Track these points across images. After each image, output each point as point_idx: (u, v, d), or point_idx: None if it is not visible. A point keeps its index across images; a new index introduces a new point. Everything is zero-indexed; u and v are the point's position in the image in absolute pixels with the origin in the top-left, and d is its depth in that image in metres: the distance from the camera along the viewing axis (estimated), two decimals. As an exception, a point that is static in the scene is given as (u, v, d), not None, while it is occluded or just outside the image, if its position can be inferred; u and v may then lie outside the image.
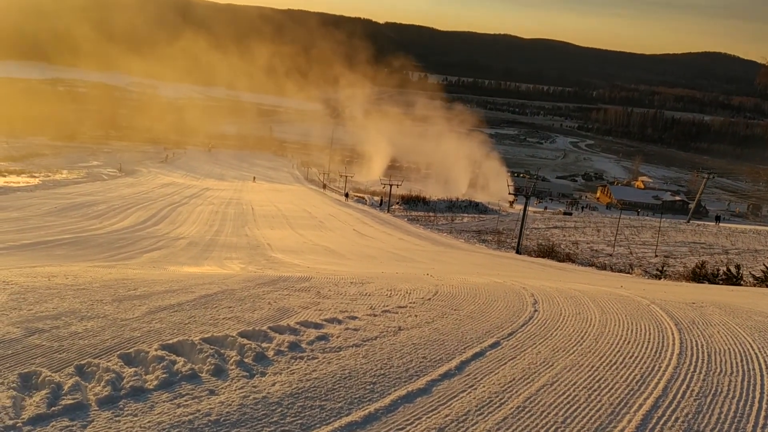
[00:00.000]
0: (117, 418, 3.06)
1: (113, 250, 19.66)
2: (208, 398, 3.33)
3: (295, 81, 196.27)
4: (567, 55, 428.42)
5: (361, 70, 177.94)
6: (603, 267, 29.67)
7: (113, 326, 4.56)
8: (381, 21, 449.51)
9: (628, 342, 4.90)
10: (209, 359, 3.83)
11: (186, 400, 3.28)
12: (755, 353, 4.69)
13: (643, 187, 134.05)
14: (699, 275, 21.09)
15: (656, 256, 32.81)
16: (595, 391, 3.77)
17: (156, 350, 3.90)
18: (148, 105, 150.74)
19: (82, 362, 3.69)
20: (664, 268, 25.83)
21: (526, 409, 3.47)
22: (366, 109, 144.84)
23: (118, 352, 3.90)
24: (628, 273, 27.91)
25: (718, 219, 65.95)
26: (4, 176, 49.97)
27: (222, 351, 4.03)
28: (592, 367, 4.22)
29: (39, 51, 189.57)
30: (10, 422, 2.93)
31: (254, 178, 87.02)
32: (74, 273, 7.63)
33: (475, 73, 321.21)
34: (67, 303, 5.24)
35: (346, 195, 63.89)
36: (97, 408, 3.16)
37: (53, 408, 3.09)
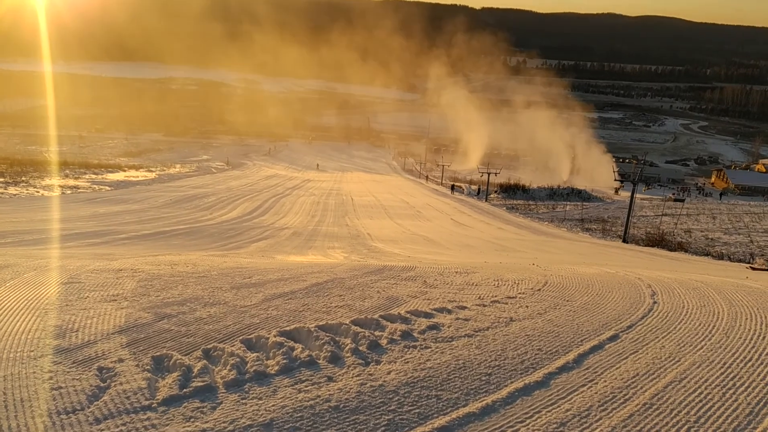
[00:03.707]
0: (243, 401, 3.18)
1: (224, 239, 20.59)
2: (327, 385, 3.40)
3: (392, 71, 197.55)
4: (678, 31, 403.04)
5: (459, 57, 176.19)
6: (720, 256, 27.77)
7: (234, 312, 4.76)
8: (477, 7, 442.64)
9: (764, 337, 4.53)
10: (325, 346, 3.91)
11: (306, 386, 3.37)
12: None
13: (764, 170, 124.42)
14: (834, 266, 19.25)
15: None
16: (729, 389, 3.52)
17: (275, 336, 4.03)
18: (251, 100, 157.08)
19: (209, 346, 3.87)
20: (792, 258, 23.84)
21: (654, 407, 3.29)
22: (463, 97, 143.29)
23: (240, 338, 4.07)
24: (749, 263, 25.98)
25: None
26: (125, 171, 53.79)
27: (337, 338, 4.10)
28: (725, 363, 3.94)
29: (152, 52, 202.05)
30: (146, 402, 3.12)
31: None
32: (193, 261, 8.06)
33: (576, 56, 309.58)
34: (190, 290, 5.53)
35: (452, 188, 61.72)
36: (224, 390, 3.31)
37: (185, 390, 3.26)
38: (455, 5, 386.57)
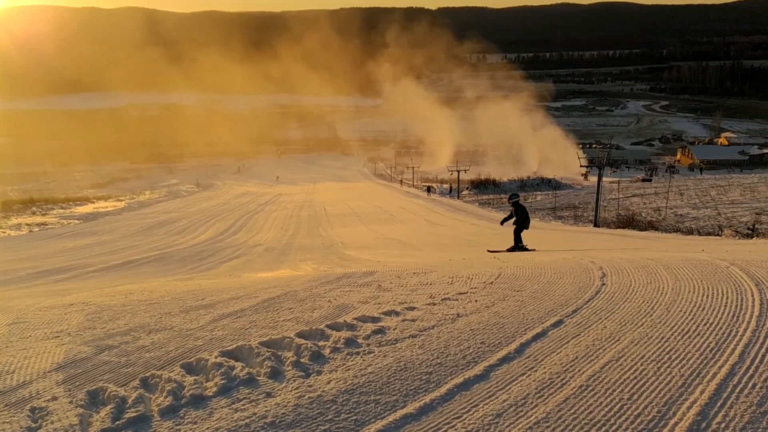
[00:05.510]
0: (177, 427, 3.14)
1: (195, 262, 20.37)
2: (265, 401, 3.37)
3: (352, 79, 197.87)
4: (630, 15, 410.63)
5: (418, 58, 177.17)
6: (690, 231, 28.27)
7: (178, 337, 4.70)
8: (434, 7, 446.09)
9: (703, 308, 4.60)
10: (266, 362, 3.87)
11: (243, 404, 3.33)
12: None
13: (727, 143, 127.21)
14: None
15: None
16: (664, 363, 3.56)
17: (216, 357, 3.99)
18: (215, 119, 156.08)
19: (147, 375, 3.81)
20: (756, 226, 24.38)
21: (589, 388, 3.32)
22: (425, 98, 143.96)
23: (180, 362, 4.01)
24: (718, 235, 26.49)
25: None
26: (94, 202, 52.97)
27: (279, 353, 4.07)
28: (663, 338, 3.99)
29: (101, 82, 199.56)
30: (77, 438, 3.06)
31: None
32: (150, 288, 7.95)
33: (534, 48, 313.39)
34: (138, 318, 5.45)
35: (428, 189, 61.39)
36: (159, 418, 3.25)
37: (117, 422, 3.20)
38: (412, 8, 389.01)
